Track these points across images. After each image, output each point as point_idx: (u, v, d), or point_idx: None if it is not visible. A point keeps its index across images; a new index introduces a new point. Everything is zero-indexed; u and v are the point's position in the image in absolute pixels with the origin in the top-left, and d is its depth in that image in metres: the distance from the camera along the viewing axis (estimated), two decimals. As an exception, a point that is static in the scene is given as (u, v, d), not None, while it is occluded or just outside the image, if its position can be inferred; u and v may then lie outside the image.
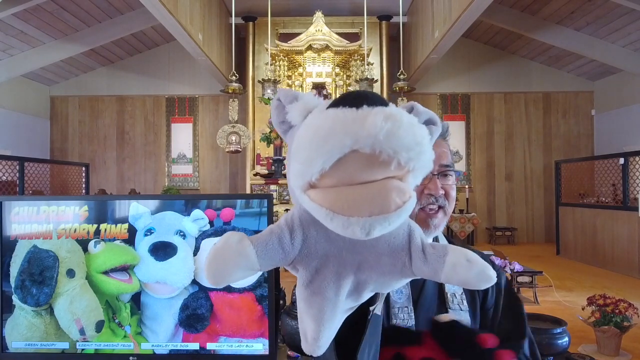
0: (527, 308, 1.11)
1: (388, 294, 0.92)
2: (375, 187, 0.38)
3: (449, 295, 0.96)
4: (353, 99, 0.39)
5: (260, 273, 1.30)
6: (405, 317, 0.91)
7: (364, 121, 0.37)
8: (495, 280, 0.47)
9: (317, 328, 0.46)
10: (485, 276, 0.45)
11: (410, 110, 0.46)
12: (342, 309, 0.48)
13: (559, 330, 2.38)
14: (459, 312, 0.95)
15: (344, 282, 0.45)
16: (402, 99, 6.95)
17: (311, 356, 0.52)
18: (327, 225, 0.40)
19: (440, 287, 0.98)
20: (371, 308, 0.64)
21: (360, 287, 0.47)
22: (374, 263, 0.45)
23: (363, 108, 0.38)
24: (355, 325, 0.57)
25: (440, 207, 0.96)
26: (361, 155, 0.37)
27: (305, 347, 0.48)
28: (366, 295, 0.49)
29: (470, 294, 0.99)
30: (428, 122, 0.48)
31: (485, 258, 1.08)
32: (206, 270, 0.43)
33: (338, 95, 0.41)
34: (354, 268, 0.45)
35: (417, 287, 0.96)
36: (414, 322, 0.91)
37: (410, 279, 0.49)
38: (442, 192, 0.95)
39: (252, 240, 0.45)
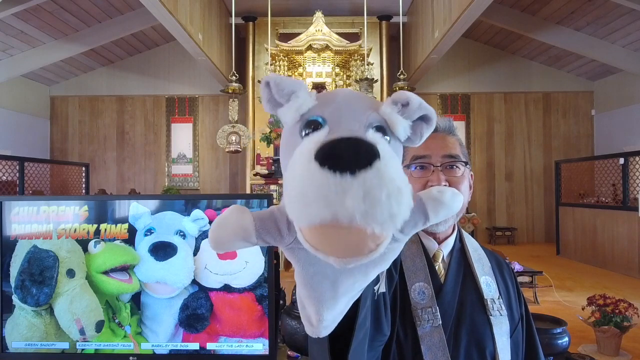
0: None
1: (407, 295, 0.91)
2: (354, 233, 0.42)
3: (488, 301, 0.95)
4: (337, 161, 0.41)
5: (261, 272, 1.31)
6: (429, 318, 0.89)
7: (344, 197, 0.40)
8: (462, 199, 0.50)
9: (319, 310, 0.49)
10: (454, 194, 0.49)
11: (406, 105, 0.48)
12: (346, 289, 0.50)
13: (559, 330, 2.38)
14: (499, 318, 0.94)
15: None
16: (402, 99, 6.95)
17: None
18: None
19: (477, 292, 0.96)
20: (375, 288, 0.63)
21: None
22: None
23: (345, 177, 0.41)
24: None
25: None
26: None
27: (311, 330, 0.50)
28: (372, 274, 0.50)
29: (507, 298, 0.98)
30: (421, 119, 0.50)
31: (498, 257, 1.08)
32: (209, 235, 0.47)
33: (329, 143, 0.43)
34: None
35: (436, 289, 0.93)
36: (440, 322, 0.89)
37: (401, 245, 0.50)
38: (445, 184, 0.93)
39: (253, 215, 0.48)
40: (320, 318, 0.49)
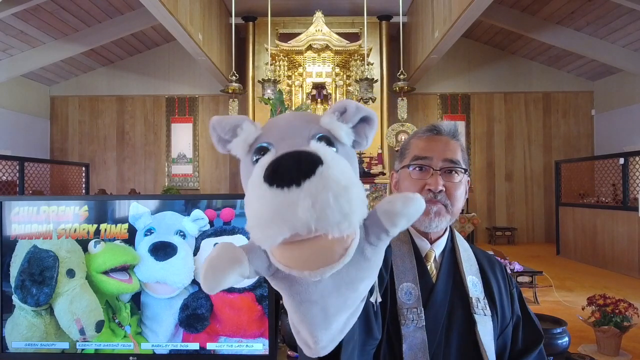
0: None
1: (394, 294, 0.92)
2: (320, 243, 0.43)
3: (473, 299, 0.95)
4: (281, 177, 0.43)
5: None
6: (414, 318, 0.90)
7: (295, 209, 0.41)
8: (423, 204, 0.49)
9: (314, 332, 0.50)
10: (408, 198, 0.49)
11: (343, 112, 0.50)
12: (338, 309, 0.50)
13: (559, 330, 2.38)
14: (483, 317, 0.94)
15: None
16: (402, 99, 6.96)
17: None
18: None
19: (463, 291, 0.96)
20: (372, 299, 0.64)
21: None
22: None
23: (292, 190, 0.42)
24: None
25: (441, 203, 0.95)
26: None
27: (309, 352, 0.51)
28: (362, 287, 0.51)
29: (491, 299, 0.98)
30: (362, 121, 0.51)
31: (491, 257, 1.08)
32: (202, 278, 0.47)
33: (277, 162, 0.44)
34: None
35: (426, 289, 0.94)
36: (424, 323, 0.90)
37: (380, 255, 0.51)
38: (442, 188, 0.94)
39: (242, 248, 0.49)
40: (316, 340, 0.50)
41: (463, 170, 0.98)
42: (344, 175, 0.44)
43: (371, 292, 0.58)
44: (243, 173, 0.53)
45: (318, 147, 0.46)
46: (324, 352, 0.51)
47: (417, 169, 0.98)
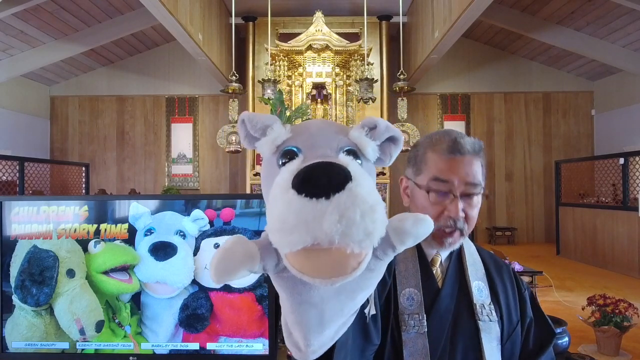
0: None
1: (397, 299, 0.91)
2: (336, 254, 0.44)
3: (477, 306, 0.93)
4: (312, 187, 0.43)
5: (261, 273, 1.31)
6: (415, 324, 0.88)
7: (322, 220, 0.42)
8: (432, 225, 0.50)
9: (307, 335, 0.50)
10: (418, 219, 0.50)
11: (372, 128, 0.51)
12: (333, 315, 0.51)
13: (559, 330, 2.39)
14: (489, 324, 0.93)
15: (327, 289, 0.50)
16: (402, 99, 6.95)
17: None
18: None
19: (468, 297, 0.95)
20: (366, 311, 0.64)
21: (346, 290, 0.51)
22: None
23: (321, 202, 0.43)
24: None
25: (457, 229, 0.92)
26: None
27: (299, 355, 0.52)
28: (360, 297, 0.52)
29: (498, 304, 0.97)
30: (388, 139, 0.53)
31: (498, 260, 1.07)
32: (213, 268, 0.47)
33: (305, 171, 0.45)
34: None
35: (431, 294, 0.93)
36: (425, 330, 0.88)
37: (383, 267, 0.52)
38: (462, 214, 0.90)
39: (255, 244, 0.49)
40: (308, 343, 0.51)
41: (481, 193, 0.94)
42: (370, 195, 0.45)
43: (366, 303, 0.59)
44: (265, 172, 0.53)
45: (348, 162, 0.47)
46: (314, 357, 0.52)
47: (436, 193, 0.92)
